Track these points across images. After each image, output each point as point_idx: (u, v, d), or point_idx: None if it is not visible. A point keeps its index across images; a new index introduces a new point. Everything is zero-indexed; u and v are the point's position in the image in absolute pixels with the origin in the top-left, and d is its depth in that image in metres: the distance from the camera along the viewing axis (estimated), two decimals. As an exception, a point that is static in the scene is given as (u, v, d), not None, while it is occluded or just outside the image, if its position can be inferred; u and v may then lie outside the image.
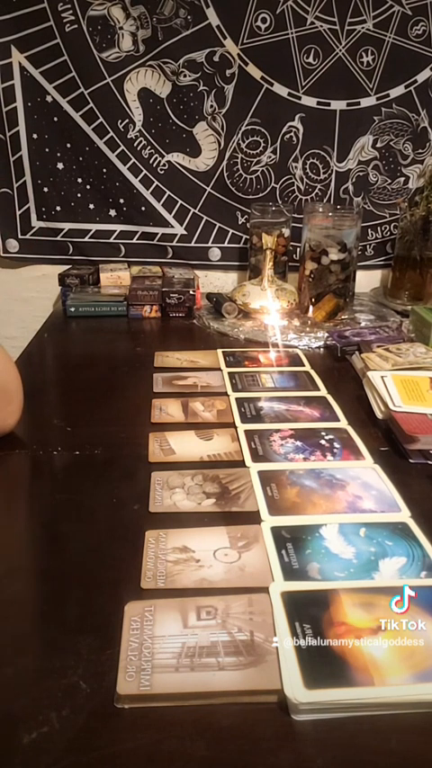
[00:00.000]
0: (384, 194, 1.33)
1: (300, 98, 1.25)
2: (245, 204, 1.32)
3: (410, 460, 0.69)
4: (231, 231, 1.35)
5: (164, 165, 1.29)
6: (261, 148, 1.28)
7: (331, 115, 1.26)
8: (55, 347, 1.12)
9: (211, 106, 1.25)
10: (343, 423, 0.77)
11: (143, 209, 1.32)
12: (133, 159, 1.28)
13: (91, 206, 1.32)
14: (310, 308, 1.18)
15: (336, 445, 0.71)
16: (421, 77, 1.24)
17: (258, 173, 1.31)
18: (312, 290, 1.19)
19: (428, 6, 1.19)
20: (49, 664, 0.42)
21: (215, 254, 1.37)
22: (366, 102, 1.26)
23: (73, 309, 1.22)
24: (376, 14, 1.19)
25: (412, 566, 0.51)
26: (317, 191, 1.33)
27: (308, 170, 1.31)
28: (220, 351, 1.01)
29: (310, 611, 0.46)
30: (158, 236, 1.35)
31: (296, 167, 1.30)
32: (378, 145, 1.29)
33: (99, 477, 0.67)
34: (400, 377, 0.84)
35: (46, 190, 1.30)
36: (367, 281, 1.39)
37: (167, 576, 0.50)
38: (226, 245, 1.36)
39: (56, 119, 1.25)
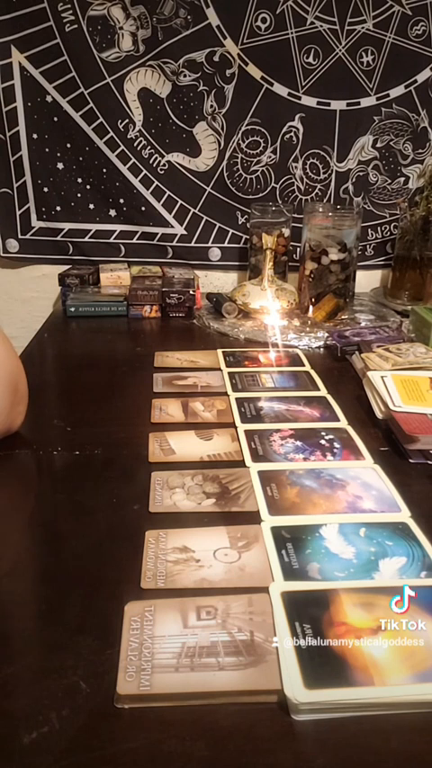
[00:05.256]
0: (384, 194, 1.33)
1: (300, 98, 1.25)
2: (245, 204, 1.32)
3: (410, 460, 0.69)
4: (231, 231, 1.35)
5: (164, 165, 1.29)
6: (261, 148, 1.29)
7: (331, 115, 1.26)
8: (55, 347, 1.12)
9: (211, 106, 1.25)
10: (343, 423, 0.77)
11: (143, 209, 1.32)
12: (133, 159, 1.28)
13: (91, 206, 1.32)
14: (310, 308, 1.18)
15: (336, 445, 0.71)
16: (421, 77, 1.24)
17: (258, 173, 1.31)
18: (312, 290, 1.19)
19: (428, 6, 1.19)
20: (49, 664, 0.42)
21: (215, 254, 1.37)
22: (366, 102, 1.26)
23: (73, 309, 1.22)
24: (376, 14, 1.19)
25: (412, 566, 0.51)
26: (317, 191, 1.33)
27: (308, 170, 1.31)
28: (220, 351, 1.01)
29: (310, 611, 0.45)
30: (158, 236, 1.35)
31: (296, 167, 1.30)
32: (378, 145, 1.29)
33: (99, 477, 0.67)
34: (400, 377, 0.84)
35: (46, 190, 1.30)
36: (367, 281, 1.39)
37: (167, 576, 0.50)
38: (226, 245, 1.36)
39: (56, 119, 1.25)
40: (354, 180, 1.32)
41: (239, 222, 1.34)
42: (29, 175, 1.29)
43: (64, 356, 1.09)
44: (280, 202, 1.31)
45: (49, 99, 1.24)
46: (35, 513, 0.64)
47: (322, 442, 0.72)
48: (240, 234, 1.35)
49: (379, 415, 0.79)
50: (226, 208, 1.33)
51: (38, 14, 1.17)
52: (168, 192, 1.31)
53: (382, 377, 0.83)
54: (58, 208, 1.32)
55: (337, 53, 1.22)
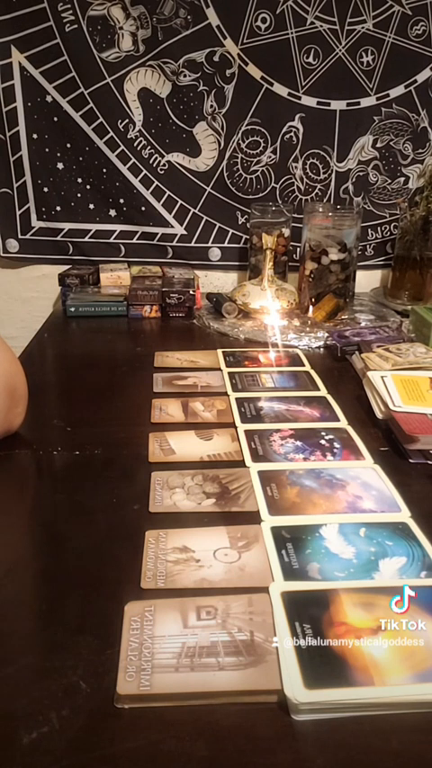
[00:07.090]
0: (384, 194, 1.33)
1: (300, 98, 1.25)
2: (245, 204, 1.32)
3: (410, 460, 0.69)
4: (231, 231, 1.35)
5: (164, 165, 1.29)
6: (261, 148, 1.29)
7: (331, 115, 1.26)
8: (55, 347, 1.12)
9: (211, 106, 1.25)
10: (343, 423, 0.77)
11: (143, 209, 1.32)
12: (133, 159, 1.28)
13: (91, 206, 1.32)
14: (310, 308, 1.18)
15: (336, 445, 0.71)
16: (421, 77, 1.24)
17: (258, 173, 1.31)
18: (312, 290, 1.19)
19: (428, 6, 1.19)
20: (49, 664, 0.42)
21: (215, 254, 1.37)
22: (366, 102, 1.26)
23: (73, 309, 1.22)
24: (376, 14, 1.19)
25: (412, 566, 0.51)
26: (317, 191, 1.33)
27: (308, 170, 1.31)
28: (220, 351, 1.01)
29: (310, 611, 0.45)
30: (158, 236, 1.35)
31: (296, 167, 1.30)
32: (378, 145, 1.29)
33: (99, 477, 0.67)
34: (400, 377, 0.84)
35: (46, 190, 1.30)
36: (367, 281, 1.39)
37: (167, 576, 0.50)
38: (226, 245, 1.36)
39: (56, 119, 1.25)
40: (354, 180, 1.32)
41: (239, 222, 1.34)
42: (29, 175, 1.29)
43: (64, 356, 1.09)
44: (280, 202, 1.31)
45: (49, 99, 1.24)
46: (35, 514, 0.64)
47: (322, 442, 0.72)
48: (240, 234, 1.35)
49: (379, 415, 0.79)
50: (226, 208, 1.33)
51: (38, 14, 1.17)
52: (168, 192, 1.31)
53: (382, 377, 0.83)
54: (58, 208, 1.32)
55: (337, 53, 1.22)
